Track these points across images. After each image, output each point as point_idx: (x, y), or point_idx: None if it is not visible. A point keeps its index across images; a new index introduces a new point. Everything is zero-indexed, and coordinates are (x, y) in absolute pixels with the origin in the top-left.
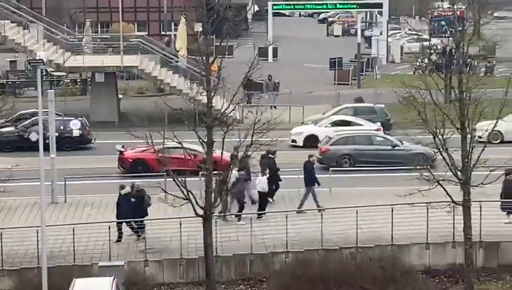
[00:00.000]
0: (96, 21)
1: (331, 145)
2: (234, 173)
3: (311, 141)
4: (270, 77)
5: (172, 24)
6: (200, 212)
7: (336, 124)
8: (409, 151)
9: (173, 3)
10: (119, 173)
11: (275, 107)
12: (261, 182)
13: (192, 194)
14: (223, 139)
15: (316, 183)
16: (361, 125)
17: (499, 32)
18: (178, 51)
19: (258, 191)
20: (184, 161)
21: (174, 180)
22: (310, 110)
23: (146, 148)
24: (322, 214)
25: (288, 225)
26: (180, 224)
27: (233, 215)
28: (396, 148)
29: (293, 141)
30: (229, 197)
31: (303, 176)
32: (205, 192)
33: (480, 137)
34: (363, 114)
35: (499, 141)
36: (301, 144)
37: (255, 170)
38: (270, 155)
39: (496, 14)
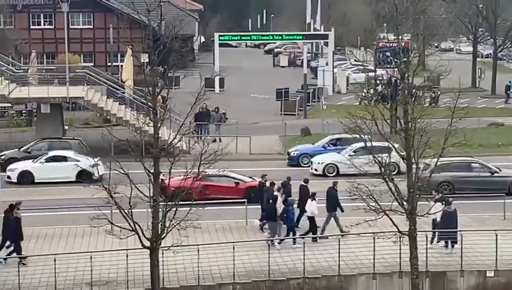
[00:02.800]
0: (41, 52)
1: (429, 172)
2: (279, 200)
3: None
4: (216, 109)
5: (119, 55)
6: (147, 244)
7: None
8: (507, 178)
9: (119, 34)
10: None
11: (220, 139)
12: (310, 207)
13: (138, 225)
14: (170, 170)
15: (340, 209)
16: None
17: (444, 63)
18: (124, 82)
19: (308, 216)
20: (226, 189)
21: (120, 211)
22: (256, 141)
23: (188, 176)
24: (269, 245)
25: (236, 255)
26: (127, 256)
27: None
28: (495, 175)
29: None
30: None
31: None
32: (152, 223)
33: (316, 170)
34: None
35: (334, 173)
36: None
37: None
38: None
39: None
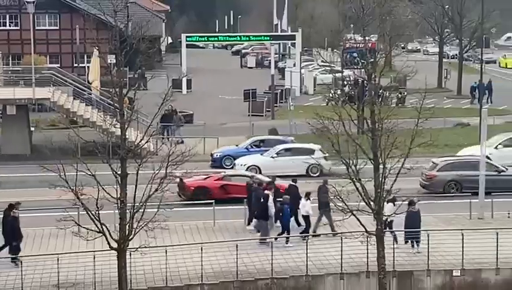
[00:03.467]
0: (7, 53)
1: (437, 171)
2: (271, 199)
3: None
4: (174, 111)
5: (85, 56)
6: (114, 245)
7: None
8: None
9: (86, 35)
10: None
11: (182, 140)
12: (305, 206)
13: (106, 227)
14: (137, 171)
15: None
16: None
17: (410, 64)
18: (91, 83)
19: (302, 215)
20: (243, 187)
21: (87, 213)
22: (224, 142)
23: (207, 175)
24: (237, 245)
25: (204, 256)
26: (94, 258)
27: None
28: (502, 173)
29: None
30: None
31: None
32: (119, 225)
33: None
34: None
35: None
36: None
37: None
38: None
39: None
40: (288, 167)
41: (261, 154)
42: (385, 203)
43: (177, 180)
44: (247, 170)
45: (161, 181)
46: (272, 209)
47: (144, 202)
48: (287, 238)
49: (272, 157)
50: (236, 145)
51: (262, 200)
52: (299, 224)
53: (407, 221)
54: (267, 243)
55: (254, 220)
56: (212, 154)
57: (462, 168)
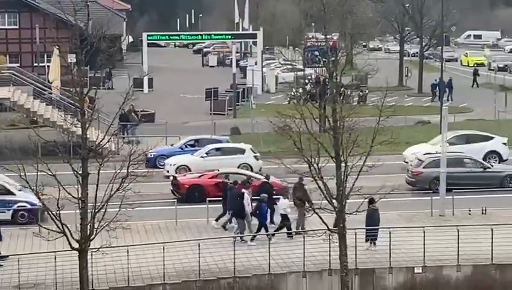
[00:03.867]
0: None
1: (423, 168)
2: (246, 196)
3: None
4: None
5: (45, 55)
6: (76, 245)
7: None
8: (500, 173)
9: (46, 35)
10: None
11: (138, 141)
12: (283, 205)
13: (67, 227)
14: (99, 171)
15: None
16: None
17: (371, 62)
18: (51, 83)
19: (281, 214)
20: (239, 185)
21: (48, 213)
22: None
23: (202, 173)
24: (199, 244)
25: (166, 256)
26: (55, 258)
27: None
28: (487, 170)
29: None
30: (250, 219)
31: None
32: (80, 225)
33: (168, 171)
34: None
35: None
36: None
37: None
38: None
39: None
40: (218, 166)
41: (191, 154)
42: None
43: (171, 178)
44: (176, 170)
45: (122, 181)
46: (248, 207)
47: (105, 201)
48: (268, 235)
49: (202, 157)
50: (171, 145)
51: (238, 198)
52: (272, 222)
53: (368, 219)
54: (245, 241)
55: (232, 219)
56: (146, 154)
57: (448, 165)
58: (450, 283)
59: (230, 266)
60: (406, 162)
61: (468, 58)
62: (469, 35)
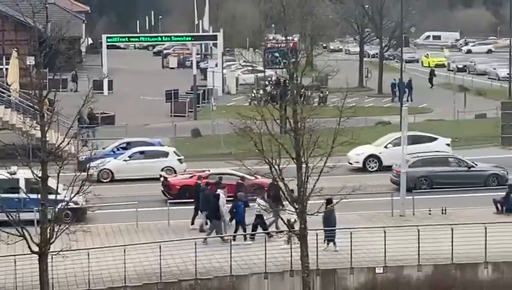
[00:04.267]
0: None
1: (408, 167)
2: (222, 197)
3: None
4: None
5: (4, 58)
6: (35, 249)
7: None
8: (484, 172)
9: (4, 37)
10: None
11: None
12: (260, 205)
13: (26, 230)
14: (58, 174)
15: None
16: None
17: (331, 63)
18: (10, 85)
19: (256, 214)
20: (230, 186)
21: (7, 216)
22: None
23: (192, 174)
24: (160, 247)
25: (127, 258)
26: (15, 262)
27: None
28: (472, 169)
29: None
30: (226, 219)
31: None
32: (40, 228)
33: (91, 175)
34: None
35: (108, 179)
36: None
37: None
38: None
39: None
40: (141, 170)
41: (115, 158)
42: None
43: (162, 179)
44: (99, 173)
45: (83, 183)
46: (223, 208)
47: (66, 204)
48: (245, 235)
49: (125, 160)
50: (104, 148)
51: (213, 199)
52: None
53: (326, 221)
54: (225, 241)
55: (199, 220)
56: (77, 157)
57: (433, 165)
58: (410, 282)
59: (191, 268)
60: (350, 163)
61: (429, 59)
62: (428, 36)
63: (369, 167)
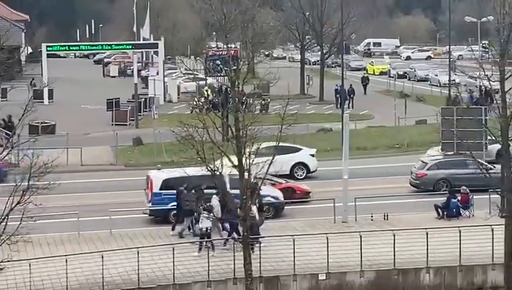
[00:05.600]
0: None
1: (427, 170)
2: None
3: None
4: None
5: None
6: None
7: None
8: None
9: None
10: None
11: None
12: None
13: None
14: None
15: None
16: None
17: (272, 70)
18: None
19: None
20: None
21: None
22: (88, 152)
23: None
24: (102, 256)
25: (69, 268)
26: None
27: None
28: (490, 171)
29: None
30: (218, 224)
31: None
32: None
33: None
34: None
35: None
36: None
37: None
38: None
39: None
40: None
41: None
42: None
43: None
44: None
45: (23, 193)
46: (218, 212)
47: (6, 215)
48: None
49: None
50: None
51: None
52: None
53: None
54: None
55: (178, 226)
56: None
57: (452, 167)
58: (353, 288)
59: (134, 277)
60: None
61: (374, 66)
62: (369, 43)
63: None
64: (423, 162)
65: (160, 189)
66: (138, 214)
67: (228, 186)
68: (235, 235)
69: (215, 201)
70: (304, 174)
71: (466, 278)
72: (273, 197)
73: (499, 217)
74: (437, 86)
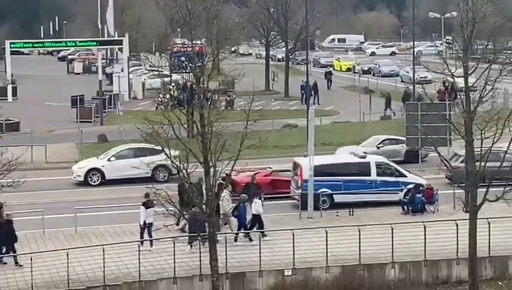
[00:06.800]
0: None
1: (461, 162)
2: (226, 195)
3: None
4: None
5: None
6: None
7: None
8: None
9: None
10: None
11: None
12: (255, 205)
13: None
14: None
15: None
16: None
17: (237, 67)
18: None
19: (253, 214)
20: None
21: None
22: (52, 149)
23: (255, 171)
24: (67, 254)
25: (34, 266)
26: None
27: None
28: None
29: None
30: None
31: None
32: None
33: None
34: None
35: None
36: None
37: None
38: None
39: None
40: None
41: None
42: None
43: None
44: None
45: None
46: (228, 208)
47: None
48: (246, 234)
49: None
50: None
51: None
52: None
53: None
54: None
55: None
56: None
57: (489, 160)
58: (319, 284)
59: (99, 275)
60: (74, 177)
61: (341, 63)
62: (333, 39)
63: (92, 180)
64: (457, 154)
65: None
66: (104, 211)
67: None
68: (235, 229)
69: (226, 196)
70: (167, 177)
71: (431, 272)
72: (417, 184)
73: (464, 211)
74: (409, 82)
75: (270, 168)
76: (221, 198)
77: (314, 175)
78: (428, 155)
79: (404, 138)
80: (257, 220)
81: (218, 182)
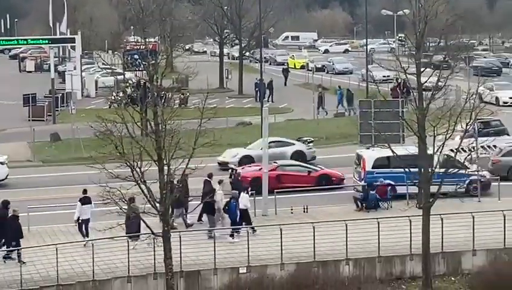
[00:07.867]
0: None
1: (502, 156)
2: (220, 192)
3: None
4: None
5: None
6: None
7: None
8: None
9: None
10: None
11: None
12: (243, 200)
13: None
14: None
15: None
16: None
17: (191, 65)
18: None
19: (240, 209)
20: (299, 177)
21: None
22: (4, 148)
23: (261, 167)
24: (19, 254)
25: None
26: None
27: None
28: None
29: None
30: (220, 215)
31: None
32: None
33: None
34: None
35: None
36: None
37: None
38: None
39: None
40: None
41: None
42: None
43: (231, 171)
44: None
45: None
46: (221, 203)
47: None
48: (232, 231)
49: None
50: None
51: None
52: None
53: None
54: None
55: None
56: None
57: None
58: (274, 281)
59: (53, 274)
60: None
61: (295, 60)
62: (287, 37)
63: None
64: (498, 148)
65: (373, 167)
66: (57, 210)
67: None
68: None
69: (219, 195)
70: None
71: (385, 269)
72: (480, 176)
73: (417, 208)
74: (371, 81)
75: (275, 162)
76: (216, 194)
77: (377, 167)
78: (316, 158)
79: (291, 141)
80: (244, 214)
81: (218, 180)
